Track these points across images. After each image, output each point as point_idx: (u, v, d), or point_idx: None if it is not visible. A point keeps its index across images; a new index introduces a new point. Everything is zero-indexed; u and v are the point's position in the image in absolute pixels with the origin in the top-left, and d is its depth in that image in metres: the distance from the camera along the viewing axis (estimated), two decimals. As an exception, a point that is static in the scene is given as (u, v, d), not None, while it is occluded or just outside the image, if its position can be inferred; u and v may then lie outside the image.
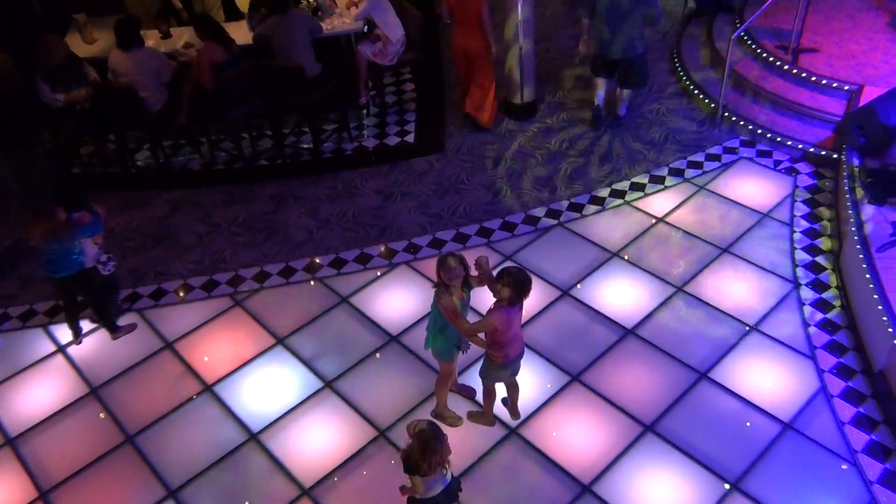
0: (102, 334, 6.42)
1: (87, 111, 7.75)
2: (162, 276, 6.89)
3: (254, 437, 5.56)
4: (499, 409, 5.52)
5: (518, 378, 5.29)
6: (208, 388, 5.92)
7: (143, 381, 6.01)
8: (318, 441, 5.50)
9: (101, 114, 7.79)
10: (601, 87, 7.98)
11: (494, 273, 4.81)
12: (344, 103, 8.33)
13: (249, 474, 5.35)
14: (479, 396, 5.50)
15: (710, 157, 7.70)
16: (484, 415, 5.40)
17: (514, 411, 5.46)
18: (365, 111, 8.71)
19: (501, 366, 4.98)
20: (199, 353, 6.19)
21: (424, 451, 4.01)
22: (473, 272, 4.88)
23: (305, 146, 8.40)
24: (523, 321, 6.09)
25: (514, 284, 4.63)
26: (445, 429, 5.27)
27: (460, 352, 5.15)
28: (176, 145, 8.56)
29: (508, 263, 6.65)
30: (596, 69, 7.86)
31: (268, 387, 5.90)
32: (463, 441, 5.34)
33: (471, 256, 6.71)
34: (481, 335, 4.87)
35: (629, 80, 7.81)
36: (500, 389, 5.39)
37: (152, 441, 5.62)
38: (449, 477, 4.28)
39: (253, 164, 8.25)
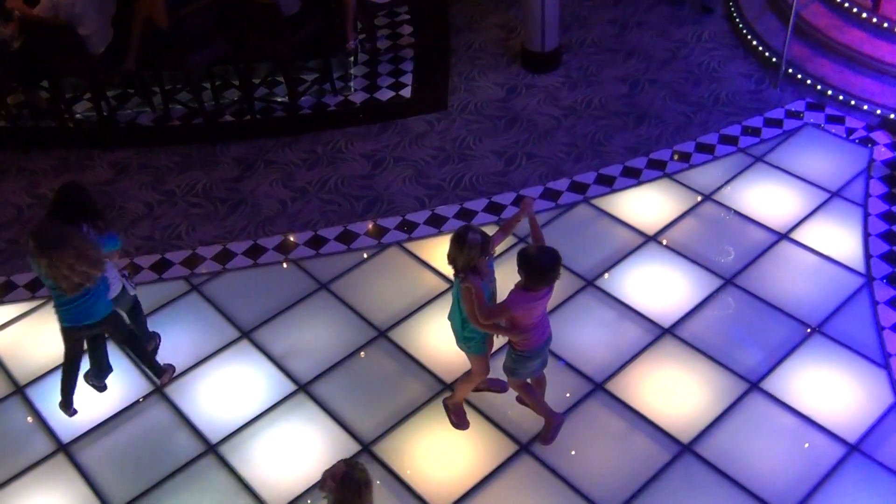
0: (29, 322, 6.43)
1: (16, 53, 7.71)
2: (104, 253, 6.89)
3: (212, 450, 5.58)
4: (511, 421, 5.54)
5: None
6: (158, 389, 5.94)
7: (80, 380, 6.02)
8: (290, 455, 5.52)
9: (33, 56, 7.75)
10: None
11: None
12: (327, 49, 8.29)
13: (207, 494, 5.37)
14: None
15: (769, 123, 7.68)
16: (546, 423, 5.37)
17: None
18: (352, 59, 8.67)
19: (527, 356, 4.97)
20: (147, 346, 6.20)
21: (362, 494, 3.90)
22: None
23: (279, 100, 8.37)
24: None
25: (528, 270, 4.67)
26: (449, 432, 5.33)
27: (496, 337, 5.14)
28: (122, 95, 8.51)
29: (522, 246, 6.63)
30: None
31: (230, 389, 5.91)
32: (466, 458, 5.38)
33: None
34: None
35: None
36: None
37: (90, 451, 5.63)
38: None
39: (216, 121, 8.22)
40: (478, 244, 4.67)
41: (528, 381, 5.28)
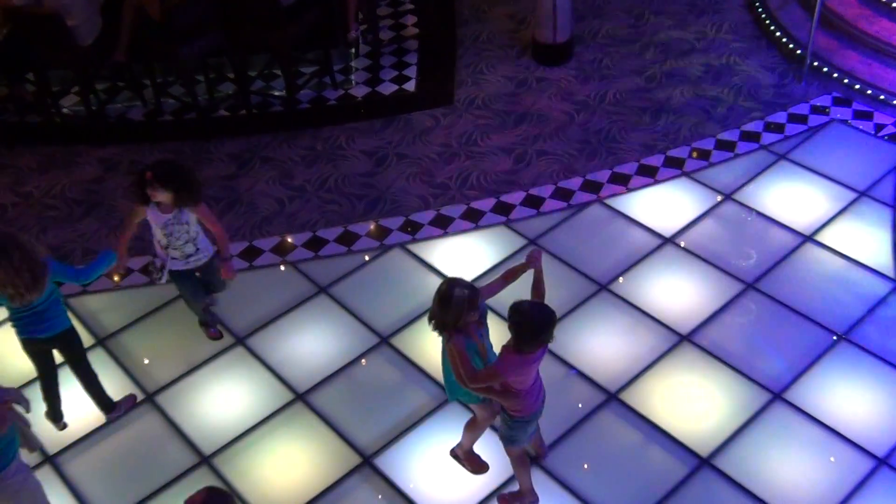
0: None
1: (0, 44, 7.74)
2: (91, 253, 6.91)
3: (205, 461, 5.60)
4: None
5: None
6: (149, 398, 5.96)
7: (64, 389, 6.04)
8: (287, 468, 5.54)
9: (18, 47, 7.78)
10: None
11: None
12: (327, 39, 8.30)
13: (199, 507, 5.40)
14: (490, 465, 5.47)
15: (793, 119, 7.68)
16: (521, 494, 5.18)
17: (540, 450, 5.42)
18: (354, 50, 8.70)
19: (524, 420, 4.77)
20: (137, 353, 6.24)
21: None
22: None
23: (277, 94, 8.40)
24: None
25: (518, 327, 4.35)
26: (455, 444, 5.37)
27: None
28: (112, 89, 8.53)
29: (531, 248, 6.65)
30: None
31: (224, 398, 5.94)
32: (468, 474, 5.40)
33: (487, 238, 6.77)
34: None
35: None
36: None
37: (78, 462, 5.65)
38: None
39: (210, 115, 8.26)
40: (464, 300, 4.39)
41: (528, 447, 5.12)
